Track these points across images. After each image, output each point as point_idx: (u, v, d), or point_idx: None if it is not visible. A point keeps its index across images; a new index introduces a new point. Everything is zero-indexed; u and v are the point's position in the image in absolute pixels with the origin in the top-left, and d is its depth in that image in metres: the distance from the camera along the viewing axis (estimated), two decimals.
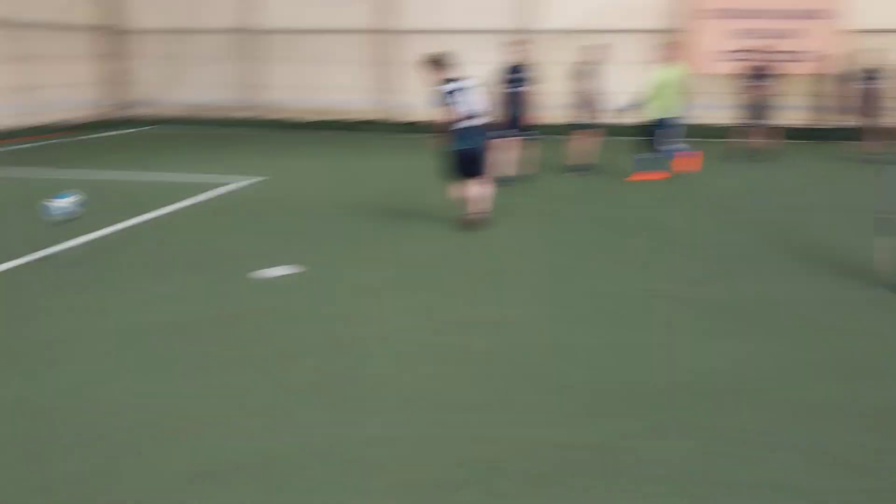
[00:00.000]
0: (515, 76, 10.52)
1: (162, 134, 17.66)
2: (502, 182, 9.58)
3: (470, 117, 7.75)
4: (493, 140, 9.14)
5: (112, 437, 3.60)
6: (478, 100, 7.93)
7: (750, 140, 13.46)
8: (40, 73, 16.56)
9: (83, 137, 16.49)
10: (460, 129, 7.74)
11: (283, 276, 6.27)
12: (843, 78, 15.66)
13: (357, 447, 3.50)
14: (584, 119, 11.60)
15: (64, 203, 5.90)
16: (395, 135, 17.06)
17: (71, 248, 7.01)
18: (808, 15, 16.47)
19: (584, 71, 11.50)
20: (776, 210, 9.25)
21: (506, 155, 10.32)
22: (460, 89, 7.75)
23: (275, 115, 19.09)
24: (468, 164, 7.84)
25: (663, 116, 10.86)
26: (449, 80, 7.80)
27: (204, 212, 8.97)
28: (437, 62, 7.85)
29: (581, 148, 11.64)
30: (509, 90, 10.47)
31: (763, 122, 13.46)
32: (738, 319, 5.38)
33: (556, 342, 4.90)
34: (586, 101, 11.52)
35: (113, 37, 19.41)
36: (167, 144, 15.55)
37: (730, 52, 16.85)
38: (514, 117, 10.37)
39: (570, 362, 4.57)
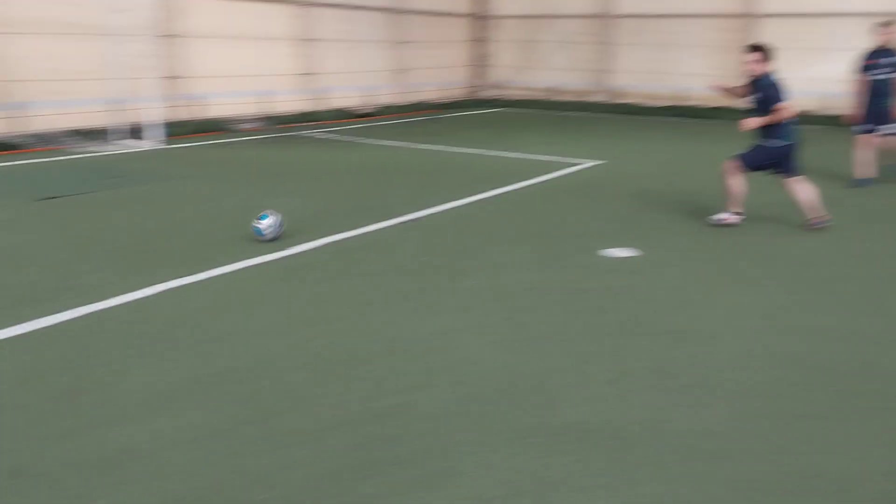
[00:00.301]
0: (884, 61, 9.13)
1: (515, 114, 18.74)
2: (860, 183, 9.24)
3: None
4: (856, 135, 9.48)
5: (469, 383, 4.03)
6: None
7: None
8: (413, 57, 18.52)
9: (446, 115, 18.15)
10: (791, 123, 7.15)
11: (625, 257, 6.39)
12: None
13: (689, 435, 3.52)
14: None
15: (267, 223, 6.64)
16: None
17: None
18: None
19: None
20: None
21: (865, 152, 9.36)
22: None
23: (624, 99, 19.21)
24: (786, 160, 7.27)
25: None
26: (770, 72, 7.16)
27: (551, 189, 9.42)
28: (765, 52, 7.13)
29: None
30: (875, 78, 9.16)
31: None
32: None
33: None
34: None
35: (476, 22, 20.96)
36: (519, 125, 16.50)
37: None
38: (880, 110, 9.15)
39: None
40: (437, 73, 19.68)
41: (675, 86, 18.26)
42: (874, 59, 9.16)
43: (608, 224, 7.65)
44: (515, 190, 9.25)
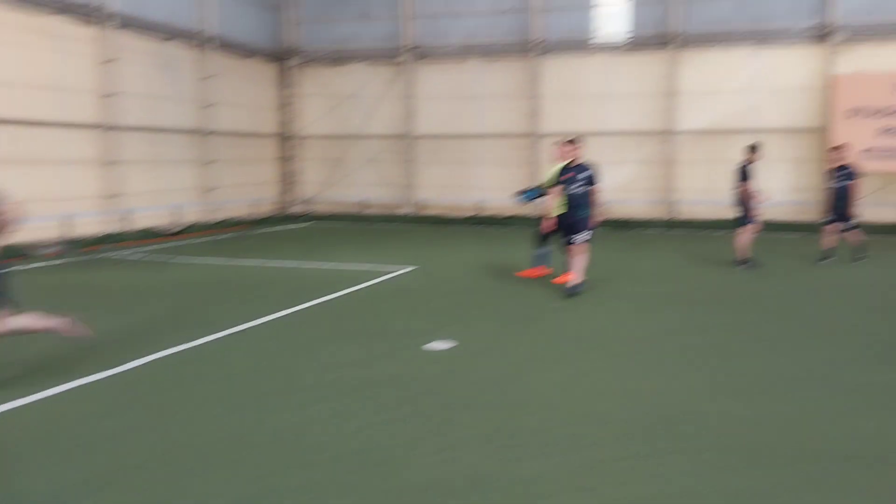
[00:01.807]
0: (580, 176, 9.83)
1: (326, 228, 19.41)
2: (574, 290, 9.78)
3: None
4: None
5: (318, 466, 4.42)
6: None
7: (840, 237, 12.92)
8: (221, 175, 18.80)
9: (257, 231, 18.43)
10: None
11: (446, 349, 7.07)
12: None
13: (515, 483, 4.14)
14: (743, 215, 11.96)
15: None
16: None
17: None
18: None
19: (745, 169, 11.93)
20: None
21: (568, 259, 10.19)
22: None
23: (429, 211, 20.59)
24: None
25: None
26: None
27: (370, 295, 10.03)
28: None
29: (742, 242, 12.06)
30: (572, 192, 9.82)
31: (847, 218, 12.69)
32: (877, 399, 5.62)
33: (701, 410, 5.35)
34: (745, 198, 11.90)
35: (283, 142, 21.74)
36: (332, 238, 17.14)
37: (875, 149, 16.80)
38: (576, 220, 9.86)
39: (724, 425, 5.02)
40: (246, 190, 20.05)
41: (473, 197, 19.92)
42: (569, 173, 9.75)
43: (427, 321, 8.35)
44: (337, 297, 9.76)
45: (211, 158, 18.37)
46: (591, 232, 9.85)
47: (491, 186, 19.77)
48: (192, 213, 17.92)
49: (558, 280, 10.41)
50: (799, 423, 5.18)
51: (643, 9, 18.76)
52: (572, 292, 9.59)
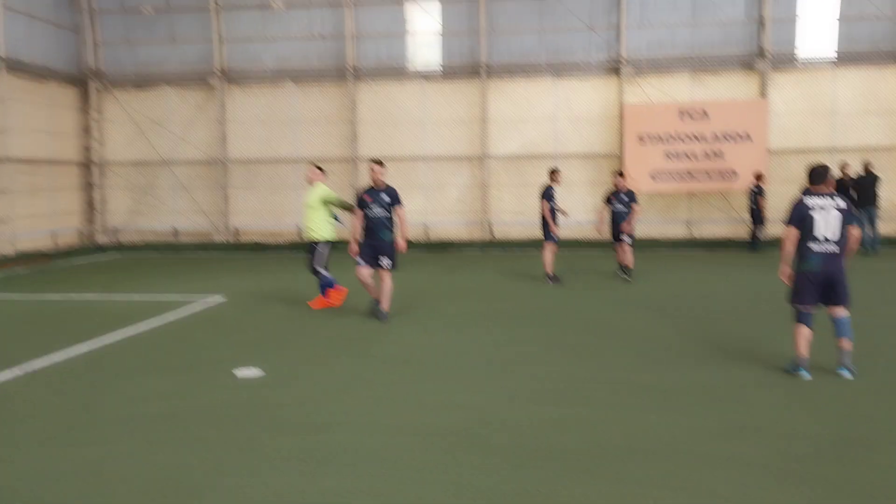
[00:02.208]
0: (380, 199, 9.71)
1: (136, 258, 18.47)
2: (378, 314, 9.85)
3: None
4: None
5: (121, 498, 4.28)
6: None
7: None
8: (15, 206, 17.39)
9: (61, 264, 17.20)
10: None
11: (254, 376, 7.02)
12: (758, 193, 17.44)
13: (317, 498, 4.25)
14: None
15: None
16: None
17: None
18: (732, 138, 18.22)
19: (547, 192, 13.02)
20: (697, 309, 10.33)
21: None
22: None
23: (246, 238, 20.14)
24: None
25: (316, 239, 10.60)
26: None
27: (182, 325, 9.72)
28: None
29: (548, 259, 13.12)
30: (372, 215, 9.67)
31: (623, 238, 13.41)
32: (661, 398, 6.25)
33: (511, 416, 5.70)
34: (546, 218, 13.00)
35: (86, 169, 20.47)
36: (143, 268, 16.35)
37: (662, 172, 18.50)
38: (377, 243, 9.72)
39: (526, 431, 5.37)
40: (46, 220, 18.67)
41: (292, 223, 19.74)
42: (369, 196, 9.64)
43: (238, 350, 8.23)
44: (146, 330, 9.37)
45: (1, 188, 16.96)
46: (395, 256, 9.75)
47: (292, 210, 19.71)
48: None
49: (317, 304, 10.63)
50: (594, 422, 5.68)
51: (453, 40, 19.57)
52: (383, 317, 9.65)
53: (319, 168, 11.04)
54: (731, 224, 18.86)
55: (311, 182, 10.92)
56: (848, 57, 18.42)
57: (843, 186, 16.34)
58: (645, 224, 18.82)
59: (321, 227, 10.63)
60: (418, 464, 4.82)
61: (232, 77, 20.10)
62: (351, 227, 10.04)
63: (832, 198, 6.80)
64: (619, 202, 13.35)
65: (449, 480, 4.55)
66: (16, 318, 10.49)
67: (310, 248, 10.74)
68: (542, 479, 4.55)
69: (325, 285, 10.68)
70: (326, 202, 10.67)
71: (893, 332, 8.72)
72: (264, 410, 6.00)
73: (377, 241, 9.70)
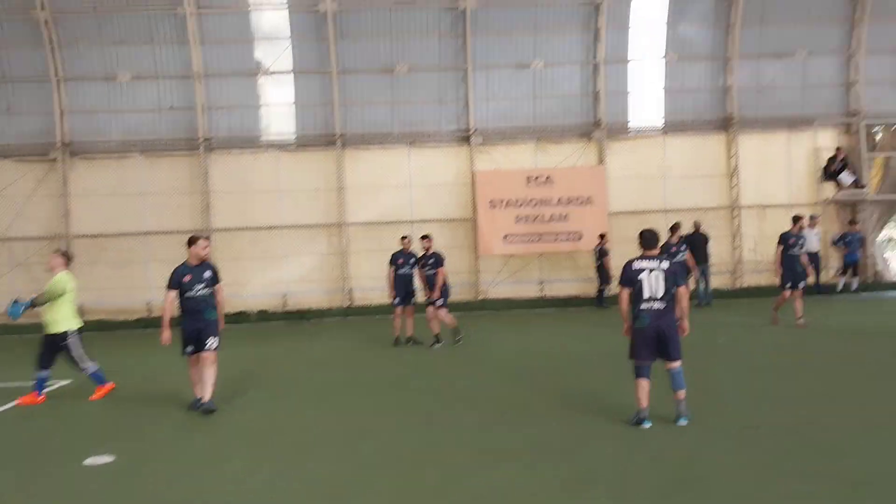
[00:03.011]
0: (203, 277, 8.96)
1: None
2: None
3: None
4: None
5: None
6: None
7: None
8: None
9: None
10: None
11: (106, 462, 6.69)
12: (604, 252, 18.56)
13: None
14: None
15: None
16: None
17: None
18: (576, 202, 19.37)
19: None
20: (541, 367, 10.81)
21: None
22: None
23: (88, 316, 19.01)
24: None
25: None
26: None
27: (19, 414, 9.08)
28: None
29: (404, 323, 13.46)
30: (193, 295, 8.90)
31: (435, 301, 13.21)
32: (507, 456, 6.48)
33: (364, 483, 5.71)
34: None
35: None
36: None
37: (513, 235, 19.33)
38: (198, 326, 8.83)
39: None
40: None
41: (142, 298, 18.95)
42: (188, 274, 8.88)
43: (84, 436, 7.79)
44: None
45: None
46: (219, 337, 8.83)
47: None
48: None
49: (26, 400, 9.62)
50: (441, 486, 5.80)
51: (307, 111, 19.80)
52: (208, 409, 8.53)
53: (66, 254, 10.15)
54: (579, 283, 19.86)
55: (52, 270, 9.88)
56: (675, 126, 20.19)
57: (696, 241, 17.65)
58: (501, 285, 19.57)
59: (66, 318, 9.73)
60: None
61: (75, 149, 19.30)
62: (164, 313, 8.94)
63: (659, 260, 7.41)
64: (431, 266, 13.09)
65: None
66: None
67: (52, 342, 9.70)
68: None
69: (97, 379, 9.88)
70: (51, 294, 9.62)
71: (724, 379, 9.46)
72: (115, 497, 5.71)
73: (200, 323, 8.74)
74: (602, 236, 18.75)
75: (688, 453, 6.40)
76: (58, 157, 19.14)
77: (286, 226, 19.60)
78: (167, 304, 8.94)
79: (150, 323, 18.58)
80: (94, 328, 18.37)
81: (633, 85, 20.25)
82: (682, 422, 7.26)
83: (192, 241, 9.01)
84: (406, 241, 13.58)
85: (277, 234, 19.60)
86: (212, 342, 8.73)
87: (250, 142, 19.72)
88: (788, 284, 13.58)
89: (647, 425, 7.21)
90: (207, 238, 9.28)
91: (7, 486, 6.16)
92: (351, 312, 19.33)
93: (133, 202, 19.38)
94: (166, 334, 8.81)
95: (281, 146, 19.79)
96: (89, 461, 6.73)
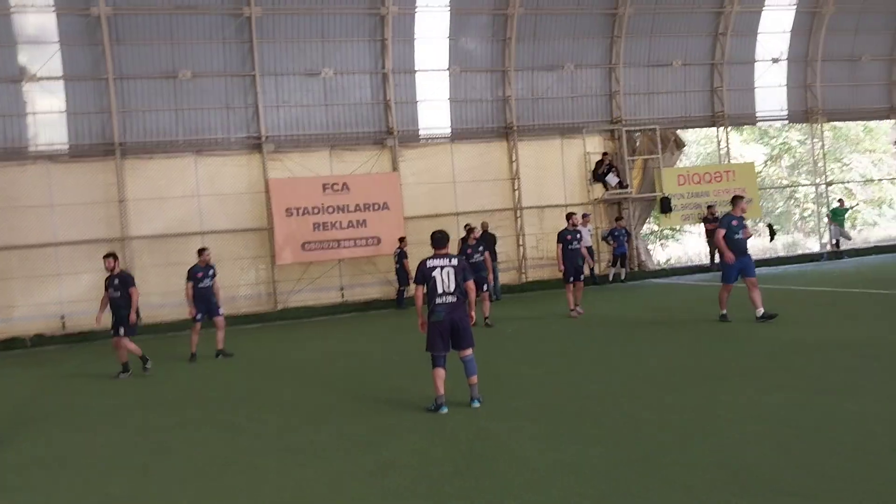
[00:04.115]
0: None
1: None
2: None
3: None
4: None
5: None
6: None
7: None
8: None
9: None
10: None
11: None
12: (402, 255, 19.09)
13: None
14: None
15: None
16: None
17: None
18: (372, 207, 19.72)
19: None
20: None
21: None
22: None
23: None
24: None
25: None
26: None
27: None
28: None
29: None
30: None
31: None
32: (313, 453, 6.61)
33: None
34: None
35: None
36: None
37: (312, 242, 19.32)
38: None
39: None
40: None
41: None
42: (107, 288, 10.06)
43: None
44: None
45: None
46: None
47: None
48: None
49: None
50: (251, 485, 5.82)
51: (81, 118, 18.50)
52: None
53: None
54: (380, 286, 20.24)
55: None
56: (461, 133, 21.21)
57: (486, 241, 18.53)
58: (300, 293, 19.46)
59: None
60: None
61: None
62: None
63: (449, 258, 7.90)
64: (207, 278, 12.98)
65: None
66: None
67: None
68: None
69: None
70: None
71: (512, 365, 10.19)
72: None
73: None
74: (401, 240, 19.23)
75: (480, 431, 6.89)
76: None
77: (61, 242, 18.15)
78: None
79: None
80: None
81: (422, 94, 20.99)
82: (475, 404, 7.79)
83: None
84: (206, 254, 13.20)
85: (52, 251, 18.11)
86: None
87: (17, 153, 18.07)
88: (571, 278, 14.76)
89: (444, 410, 7.65)
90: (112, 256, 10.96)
91: None
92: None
93: None
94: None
95: (52, 157, 18.32)
96: None
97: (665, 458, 5.75)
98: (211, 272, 13.05)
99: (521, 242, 21.53)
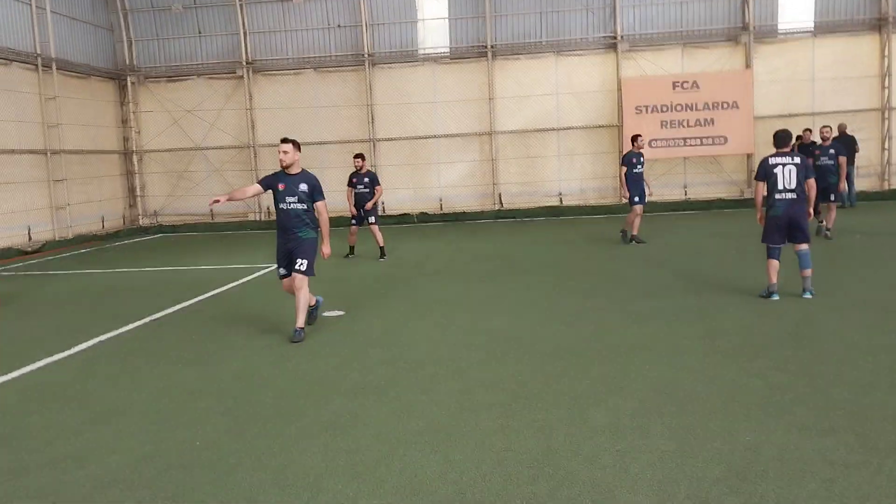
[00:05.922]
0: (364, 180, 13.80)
1: (180, 238, 20.24)
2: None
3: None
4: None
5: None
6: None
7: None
8: (70, 193, 19.09)
9: (113, 244, 18.95)
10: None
11: (335, 315, 8.82)
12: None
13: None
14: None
15: None
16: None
17: None
18: (722, 106, 19.85)
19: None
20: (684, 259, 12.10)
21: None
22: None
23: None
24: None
25: None
26: None
27: (254, 288, 11.49)
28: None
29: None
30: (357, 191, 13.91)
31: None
32: (659, 317, 8.02)
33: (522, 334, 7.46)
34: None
35: (127, 157, 22.16)
36: (191, 246, 18.11)
37: (659, 140, 20.15)
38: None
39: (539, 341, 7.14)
40: (95, 206, 20.37)
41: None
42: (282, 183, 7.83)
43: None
44: (225, 290, 11.12)
45: (59, 177, 18.65)
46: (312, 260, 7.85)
47: (334, 191, 21.33)
48: (44, 232, 18.15)
49: None
50: (596, 336, 7.45)
51: (460, 23, 21.14)
52: (299, 337, 7.67)
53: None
54: (723, 185, 20.54)
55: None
56: (825, 27, 20.00)
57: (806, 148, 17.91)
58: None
59: None
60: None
61: (257, 67, 21.69)
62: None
63: (791, 157, 8.50)
64: (365, 185, 13.94)
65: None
66: (109, 287, 12.17)
67: None
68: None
69: None
70: None
71: (850, 264, 10.45)
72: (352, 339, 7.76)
73: (292, 239, 7.86)
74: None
75: (808, 315, 7.69)
76: (243, 74, 21.61)
77: (440, 135, 21.32)
78: (237, 194, 8.26)
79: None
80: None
81: None
82: (807, 295, 8.50)
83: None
84: (363, 160, 14.04)
85: (433, 143, 21.38)
86: (301, 264, 7.77)
87: (408, 56, 21.37)
88: None
89: (776, 297, 8.50)
90: (290, 141, 7.93)
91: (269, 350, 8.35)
92: (501, 215, 21.02)
93: (307, 115, 21.66)
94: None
95: (436, 59, 21.32)
96: (327, 314, 8.84)
97: None
98: (365, 179, 13.89)
99: (885, 146, 20.04)
